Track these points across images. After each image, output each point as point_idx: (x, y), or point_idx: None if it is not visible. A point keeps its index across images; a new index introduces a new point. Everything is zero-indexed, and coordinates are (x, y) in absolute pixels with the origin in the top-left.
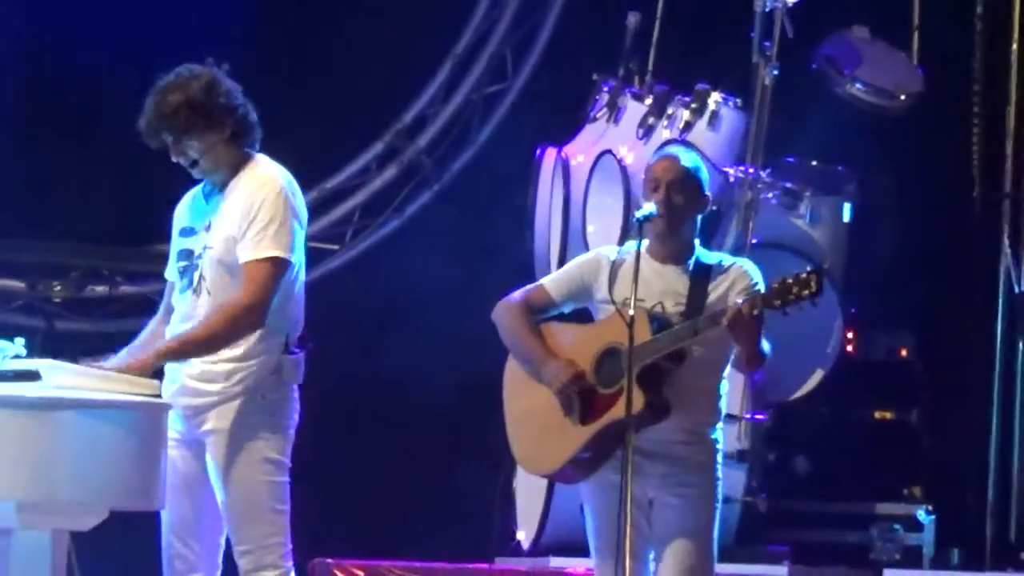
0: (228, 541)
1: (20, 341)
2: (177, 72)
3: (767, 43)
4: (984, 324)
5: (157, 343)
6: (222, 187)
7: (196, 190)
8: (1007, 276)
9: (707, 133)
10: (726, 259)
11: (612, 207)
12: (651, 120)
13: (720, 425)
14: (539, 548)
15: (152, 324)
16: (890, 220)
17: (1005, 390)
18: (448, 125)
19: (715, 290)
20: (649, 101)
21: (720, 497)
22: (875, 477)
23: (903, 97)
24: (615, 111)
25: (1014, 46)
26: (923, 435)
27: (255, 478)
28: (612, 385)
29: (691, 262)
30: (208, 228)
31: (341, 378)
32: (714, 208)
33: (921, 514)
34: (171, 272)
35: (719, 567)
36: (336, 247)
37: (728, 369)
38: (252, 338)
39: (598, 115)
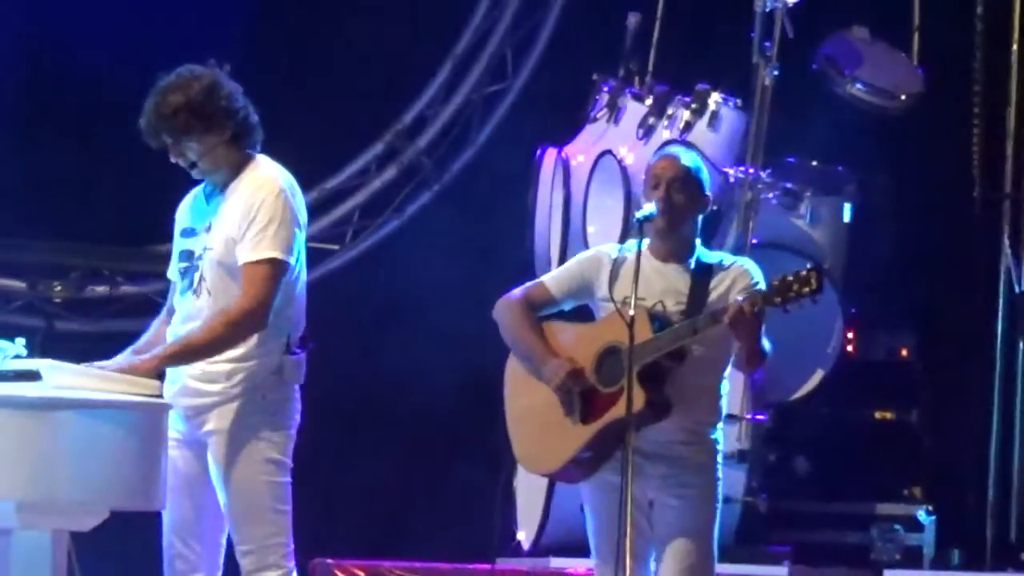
0: (230, 541)
1: (20, 341)
2: (178, 73)
3: (767, 43)
4: (984, 324)
5: (158, 346)
6: (223, 188)
7: (197, 190)
8: (1007, 276)
9: (707, 133)
10: (727, 258)
11: (612, 207)
12: (651, 120)
13: (720, 425)
14: (539, 548)
15: (155, 324)
16: (890, 220)
17: (1005, 390)
18: (448, 125)
19: (716, 289)
20: (649, 101)
21: (720, 497)
22: (875, 477)
23: (903, 97)
24: (615, 111)
25: (1014, 47)
26: (923, 435)
27: (256, 478)
28: (613, 384)
29: (692, 261)
30: (208, 229)
31: (341, 378)
32: (714, 208)
33: (921, 514)
34: (173, 272)
35: (719, 567)
36: (336, 247)
37: (729, 369)
38: (253, 339)
39: (598, 115)
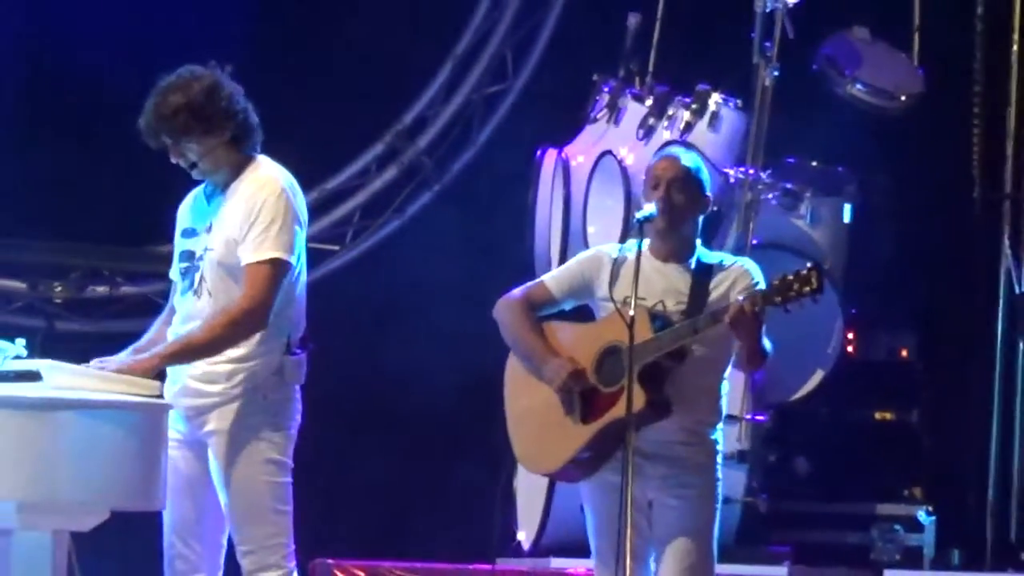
0: (230, 541)
1: (21, 342)
2: (179, 73)
3: (767, 44)
4: (984, 325)
5: (159, 346)
6: (223, 188)
7: (198, 190)
8: (1007, 277)
9: (707, 134)
10: (727, 258)
11: (613, 208)
12: (651, 121)
13: (720, 426)
14: (540, 549)
15: (157, 324)
16: (890, 221)
17: (1006, 390)
18: (448, 126)
19: (716, 289)
20: (649, 102)
21: (720, 498)
22: (875, 478)
23: (903, 98)
24: (615, 112)
25: (1014, 47)
26: (923, 435)
27: (257, 479)
28: (613, 384)
29: (692, 261)
30: (209, 230)
31: (342, 378)
32: (715, 209)
33: (922, 515)
34: (173, 272)
35: (719, 567)
36: (337, 248)
37: (729, 369)
38: (254, 339)
39: (598, 116)
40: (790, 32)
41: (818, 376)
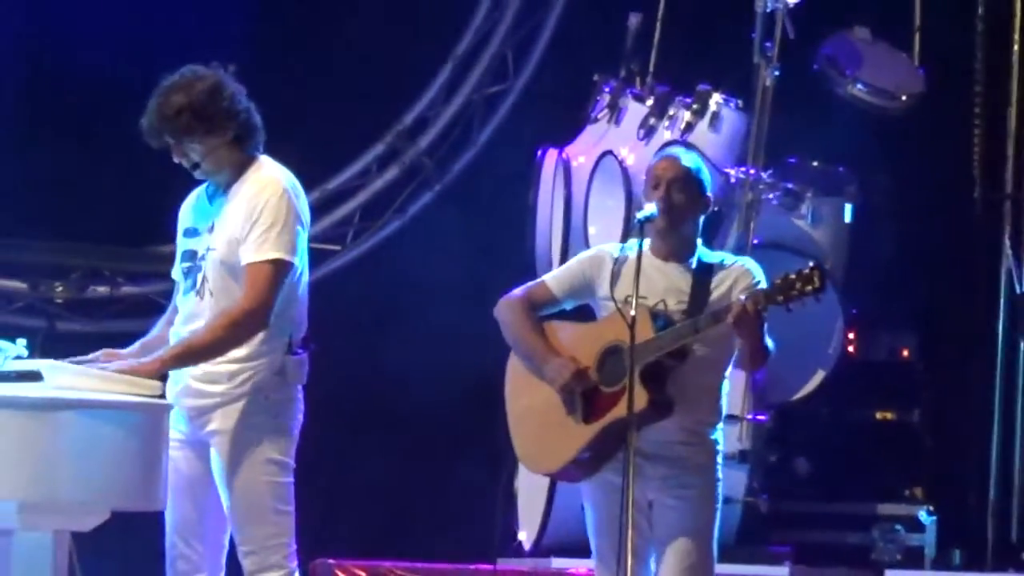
0: (232, 541)
1: (21, 342)
2: (181, 73)
3: (768, 44)
4: (985, 325)
5: (161, 349)
6: (226, 188)
7: (200, 190)
8: (1008, 276)
9: (708, 134)
10: (728, 258)
11: (613, 208)
12: (652, 121)
13: (720, 426)
14: (541, 549)
15: (161, 323)
16: (891, 221)
17: (1006, 390)
18: (449, 126)
19: (717, 288)
20: (650, 102)
21: (720, 498)
22: (876, 478)
23: (904, 98)
24: (616, 112)
25: (1015, 47)
26: (924, 435)
27: (259, 479)
28: (615, 383)
29: (693, 260)
30: (211, 230)
31: (343, 379)
32: (715, 209)
33: (922, 515)
34: (175, 271)
35: (720, 567)
36: (338, 248)
37: (730, 368)
38: (256, 339)
39: (599, 116)
40: (791, 32)
41: (819, 376)
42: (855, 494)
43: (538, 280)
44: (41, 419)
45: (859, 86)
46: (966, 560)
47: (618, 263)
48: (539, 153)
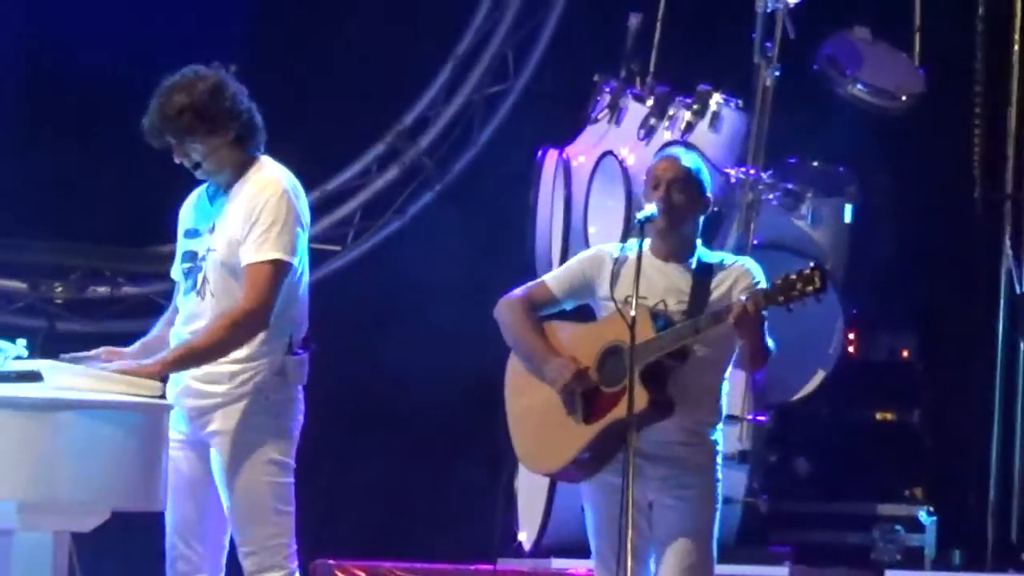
0: (232, 542)
1: (21, 342)
2: (183, 73)
3: (768, 44)
4: (985, 325)
5: (162, 351)
6: (227, 189)
7: (201, 190)
8: (1008, 277)
9: (708, 134)
10: (728, 258)
11: (613, 208)
12: (652, 121)
13: (720, 426)
14: (541, 549)
15: (162, 322)
16: (891, 221)
17: (1006, 391)
18: (449, 126)
19: (717, 288)
20: (650, 102)
21: (720, 498)
22: (876, 478)
23: (904, 98)
24: (616, 112)
25: (1015, 47)
26: (924, 436)
27: (259, 479)
28: (615, 384)
29: (693, 260)
30: (212, 230)
31: (343, 379)
32: (715, 209)
33: (922, 515)
34: (176, 272)
35: (720, 568)
36: (338, 248)
37: (730, 369)
38: (256, 340)
39: (599, 116)
40: (791, 32)
41: (819, 376)
42: (855, 494)
43: (538, 280)
44: (41, 419)
45: (859, 86)
46: (966, 560)
47: (618, 263)
48: (539, 153)
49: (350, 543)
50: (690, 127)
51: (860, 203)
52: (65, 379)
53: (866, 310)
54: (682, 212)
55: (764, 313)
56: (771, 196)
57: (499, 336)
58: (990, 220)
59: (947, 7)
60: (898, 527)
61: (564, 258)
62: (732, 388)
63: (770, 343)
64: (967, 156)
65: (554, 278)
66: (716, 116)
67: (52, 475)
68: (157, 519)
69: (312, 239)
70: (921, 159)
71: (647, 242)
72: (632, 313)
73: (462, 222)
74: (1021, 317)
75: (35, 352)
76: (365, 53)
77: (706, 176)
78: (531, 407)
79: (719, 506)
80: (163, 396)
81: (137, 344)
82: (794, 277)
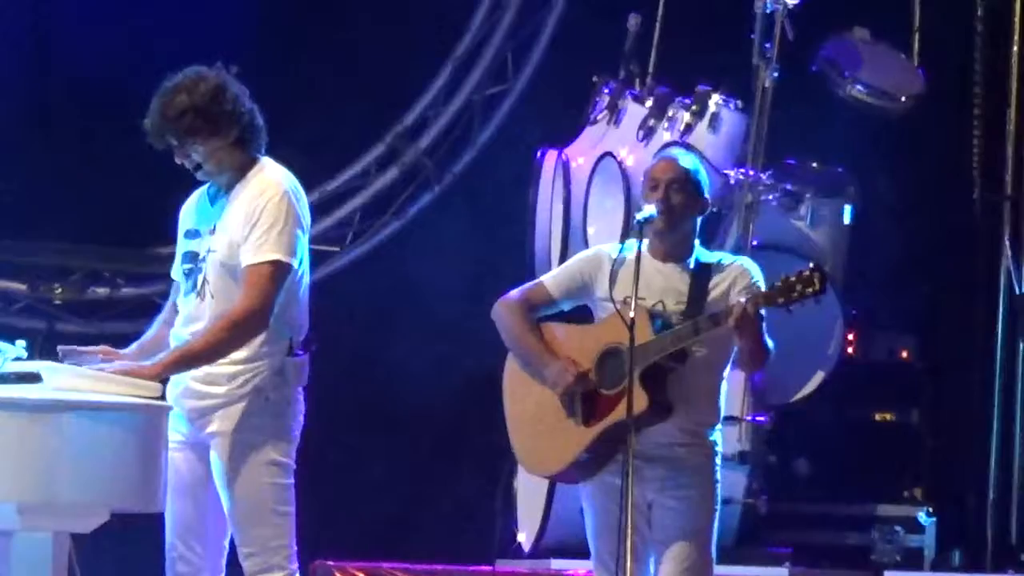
0: (232, 543)
1: (21, 343)
2: (185, 74)
3: (767, 45)
4: (985, 326)
5: (162, 353)
6: (228, 190)
7: (202, 191)
8: (1008, 278)
9: (708, 135)
10: (726, 258)
11: (613, 209)
12: (651, 122)
13: (719, 427)
14: (540, 550)
15: (158, 322)
16: (890, 222)
17: (1006, 392)
18: (449, 127)
19: (716, 288)
20: (650, 103)
21: (719, 499)
22: (876, 479)
23: (903, 99)
24: (616, 113)
25: (1014, 48)
26: (924, 437)
27: (259, 480)
28: (615, 386)
29: (691, 261)
30: (213, 231)
31: (342, 380)
32: (714, 210)
33: (922, 516)
34: (176, 272)
35: (719, 569)
36: (337, 249)
37: (728, 369)
38: (256, 341)
39: (599, 117)
40: (790, 33)
41: (818, 377)
42: (854, 495)
43: (535, 281)
44: (41, 421)
45: (858, 87)
46: (965, 561)
47: (616, 264)
48: (539, 154)
49: (350, 544)
50: (689, 128)
51: (859, 204)
52: (65, 380)
53: (865, 311)
54: (680, 213)
55: (763, 314)
56: (770, 197)
57: (498, 337)
58: (989, 221)
59: (946, 8)
60: (897, 528)
61: (563, 259)
62: (731, 389)
63: (769, 343)
64: (966, 157)
65: (552, 279)
66: (715, 117)
67: (52, 476)
68: (157, 520)
69: (312, 240)
70: (920, 160)
71: (645, 243)
72: (631, 314)
73: (462, 223)
74: (1020, 318)
75: (34, 353)
76: (365, 54)
77: (704, 177)
78: (530, 409)
79: (718, 507)
80: (162, 397)
81: (133, 346)
82: (793, 279)
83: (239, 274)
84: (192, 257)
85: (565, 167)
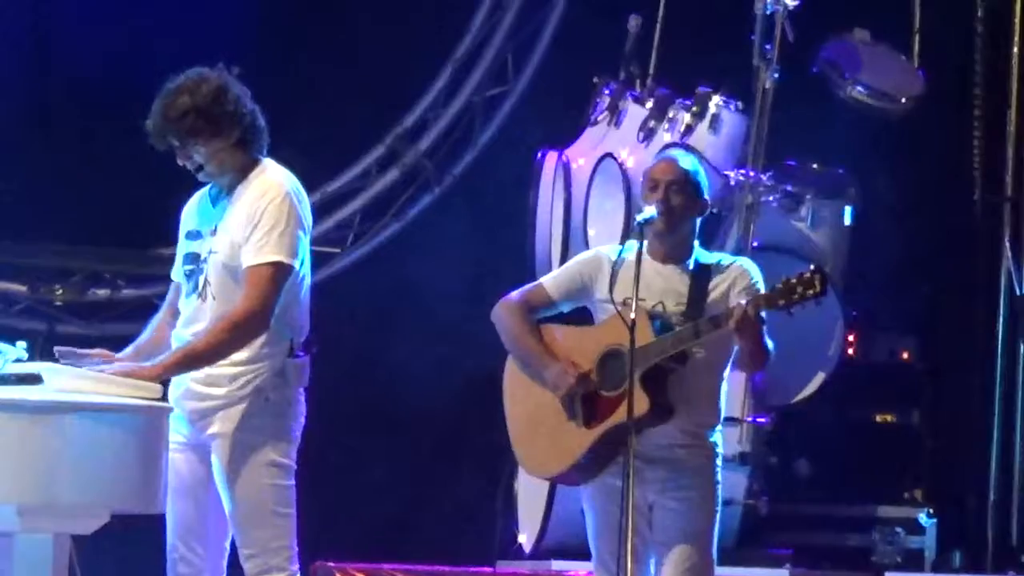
0: (233, 545)
1: (22, 345)
2: (187, 75)
3: (768, 46)
4: (985, 327)
5: (163, 354)
6: (229, 191)
7: (203, 192)
8: (1008, 279)
9: (708, 136)
10: (725, 258)
11: (613, 210)
12: (652, 123)
13: (719, 428)
14: (541, 551)
15: (155, 322)
16: (891, 223)
17: (1006, 393)
18: (449, 128)
19: (715, 289)
20: (650, 104)
21: (720, 500)
22: (876, 480)
23: (904, 100)
24: (616, 114)
25: (1015, 49)
26: (924, 438)
27: (260, 482)
28: (616, 387)
29: (690, 262)
30: (214, 232)
31: (343, 381)
32: (714, 211)
33: (922, 517)
34: (177, 273)
35: (720, 570)
36: (337, 250)
37: (728, 370)
38: (257, 342)
39: (599, 118)
40: (790, 35)
41: (819, 378)
42: (855, 496)
43: (535, 283)
44: (41, 422)
45: (859, 88)
46: (966, 562)
47: (616, 265)
48: (539, 155)
49: (350, 545)
50: (690, 129)
51: (860, 205)
52: (65, 382)
53: (866, 312)
54: (680, 214)
55: (763, 316)
56: (771, 198)
57: (499, 338)
58: (990, 222)
59: (946, 9)
60: (898, 529)
61: (564, 260)
62: (732, 390)
63: (769, 345)
64: (967, 158)
65: (551, 281)
66: (716, 118)
67: (52, 478)
68: (157, 521)
69: (312, 241)
70: (920, 161)
71: (644, 244)
72: (632, 315)
73: (462, 224)
74: (1021, 319)
75: (35, 355)
76: (365, 55)
77: (703, 178)
78: (530, 411)
79: (719, 508)
80: (163, 398)
81: (129, 348)
82: (794, 281)
83: (240, 275)
84: (194, 258)
85: (566, 168)
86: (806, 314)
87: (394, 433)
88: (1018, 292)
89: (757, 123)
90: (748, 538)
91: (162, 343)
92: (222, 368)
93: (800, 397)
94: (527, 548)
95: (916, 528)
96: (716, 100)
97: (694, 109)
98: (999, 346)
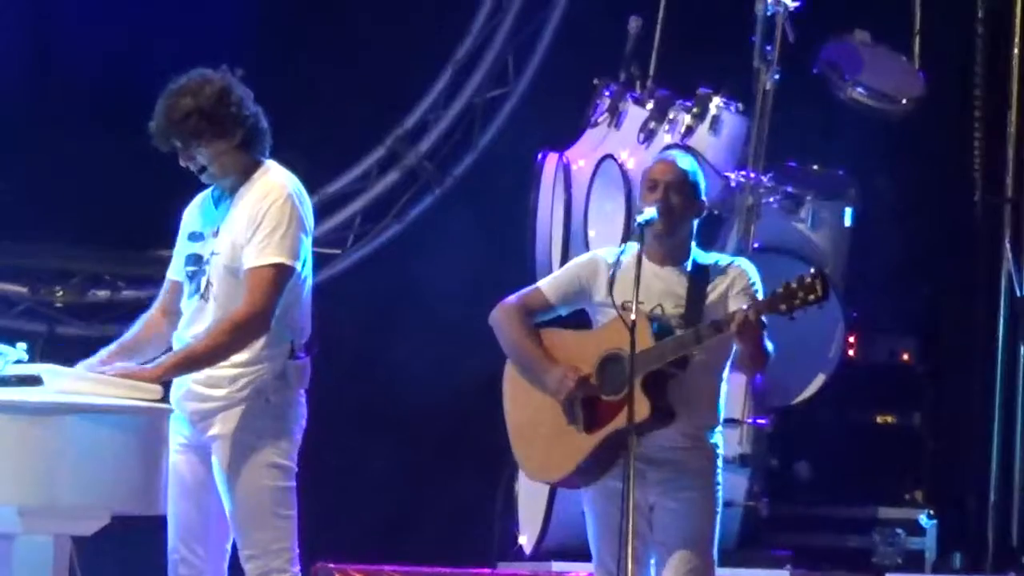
0: (234, 546)
1: (22, 346)
2: (190, 76)
3: (768, 47)
4: (986, 328)
5: (163, 356)
6: (232, 192)
7: (206, 194)
8: (1008, 280)
9: (708, 137)
10: (723, 259)
11: (613, 212)
12: (652, 125)
13: (720, 429)
14: (541, 552)
15: (139, 323)
16: (891, 224)
17: (1007, 394)
18: (450, 130)
19: (714, 291)
20: (650, 106)
21: (720, 502)
22: (877, 481)
23: (904, 101)
24: (616, 116)
25: (1015, 50)
26: (925, 439)
27: (261, 483)
28: (616, 392)
29: (689, 264)
30: (216, 234)
31: (343, 382)
32: (714, 213)
33: (923, 518)
34: (177, 273)
35: (721, 571)
36: (338, 252)
37: (727, 371)
38: (258, 343)
39: (599, 120)
40: (791, 36)
41: (820, 380)
42: (856, 498)
43: (532, 287)
44: (42, 424)
45: (859, 89)
46: (967, 564)
47: (614, 268)
48: (539, 157)
49: (351, 546)
50: (690, 130)
51: (860, 206)
52: (65, 383)
53: (866, 313)
54: (679, 215)
55: (764, 321)
56: (771, 199)
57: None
58: (990, 223)
59: (947, 10)
60: (899, 530)
61: (564, 261)
62: (732, 391)
63: (769, 347)
64: (967, 159)
65: (549, 284)
66: (716, 119)
67: (53, 479)
68: (158, 523)
69: (313, 242)
70: (921, 162)
71: (642, 247)
72: (632, 318)
73: (462, 225)
74: (1021, 320)
75: (35, 356)
76: (365, 57)
77: (702, 179)
78: (530, 416)
79: (720, 509)
80: (164, 399)
81: (113, 345)
82: (795, 285)
83: (242, 277)
84: (196, 259)
85: (566, 170)
86: (806, 316)
87: (394, 434)
88: (1018, 293)
89: (757, 124)
90: (749, 539)
91: (146, 341)
92: (223, 369)
93: (800, 398)
94: (527, 549)
95: (916, 529)
96: (716, 101)
97: (694, 110)
98: (999, 347)
